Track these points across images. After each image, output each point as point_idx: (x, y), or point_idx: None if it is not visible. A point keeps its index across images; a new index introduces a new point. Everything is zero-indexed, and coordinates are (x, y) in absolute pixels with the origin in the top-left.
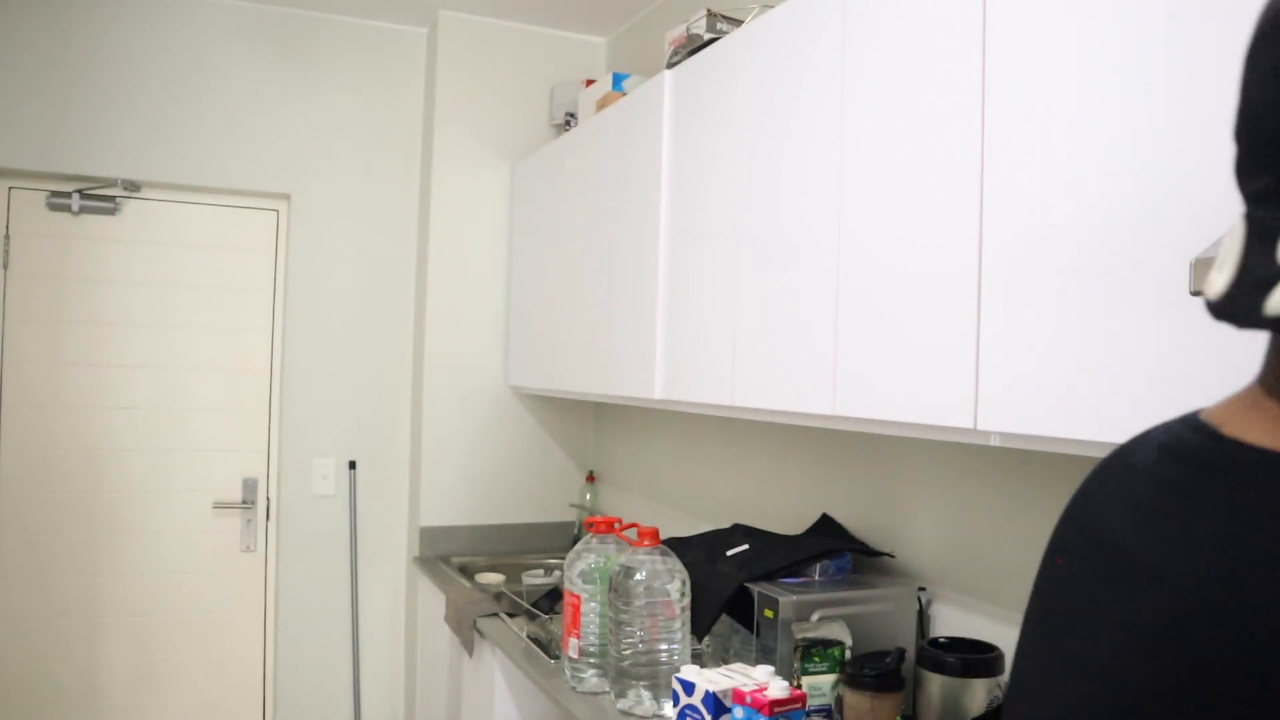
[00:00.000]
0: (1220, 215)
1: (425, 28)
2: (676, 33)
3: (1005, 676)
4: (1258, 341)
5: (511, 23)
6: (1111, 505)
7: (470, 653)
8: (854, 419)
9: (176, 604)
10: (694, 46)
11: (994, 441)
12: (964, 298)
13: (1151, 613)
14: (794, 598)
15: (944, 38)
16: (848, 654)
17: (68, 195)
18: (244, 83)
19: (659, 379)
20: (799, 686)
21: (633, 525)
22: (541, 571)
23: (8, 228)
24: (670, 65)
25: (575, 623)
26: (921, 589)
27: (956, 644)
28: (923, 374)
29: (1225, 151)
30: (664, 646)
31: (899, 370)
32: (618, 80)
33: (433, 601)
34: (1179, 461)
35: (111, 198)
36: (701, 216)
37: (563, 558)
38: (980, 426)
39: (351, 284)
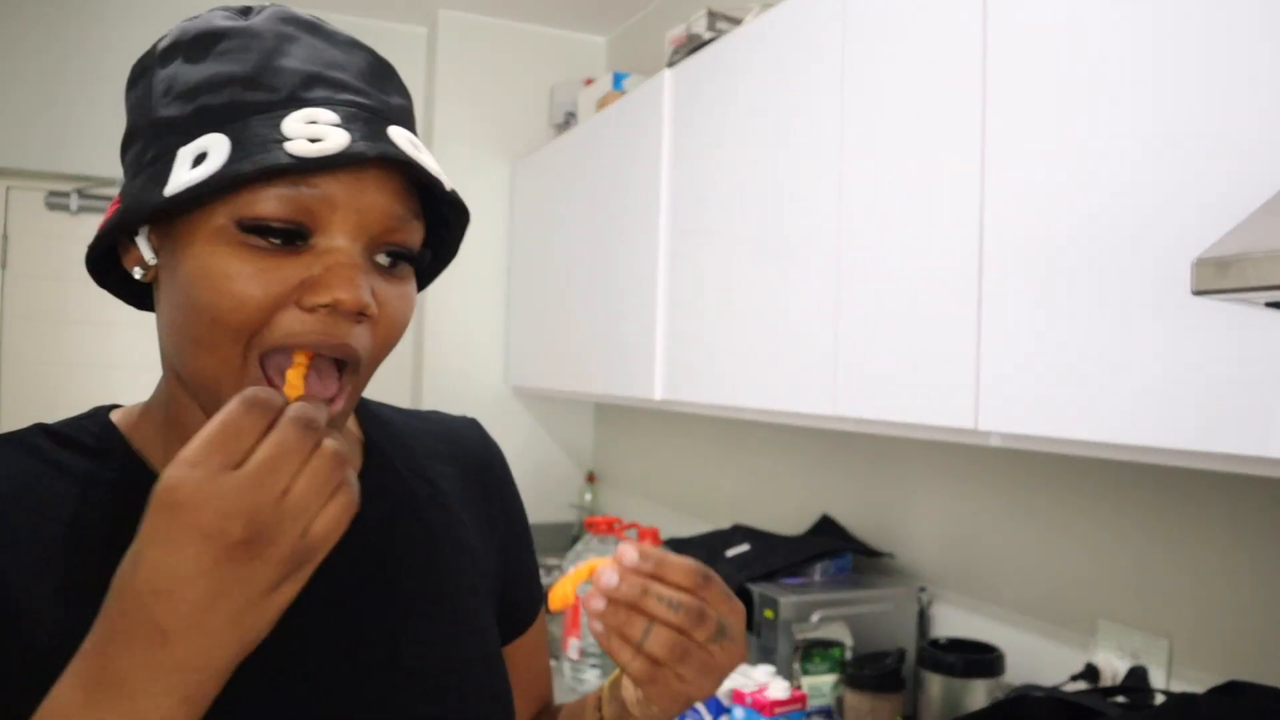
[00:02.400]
0: (1215, 216)
1: (425, 27)
2: (676, 32)
3: (1006, 677)
4: (1252, 340)
5: (511, 22)
6: None
7: None
8: (854, 419)
9: None
10: (694, 46)
11: (994, 441)
12: (964, 297)
13: None
14: (794, 598)
15: (944, 39)
16: (848, 654)
17: (66, 195)
18: None
19: (659, 379)
20: (799, 687)
21: (632, 525)
22: (541, 572)
23: (6, 227)
24: (670, 65)
25: (575, 623)
26: (922, 589)
27: (957, 644)
28: (923, 374)
29: (1216, 155)
30: None
31: (899, 370)
32: (618, 80)
33: None
34: None
35: (110, 197)
36: (701, 216)
37: (563, 558)
38: (980, 427)
39: None
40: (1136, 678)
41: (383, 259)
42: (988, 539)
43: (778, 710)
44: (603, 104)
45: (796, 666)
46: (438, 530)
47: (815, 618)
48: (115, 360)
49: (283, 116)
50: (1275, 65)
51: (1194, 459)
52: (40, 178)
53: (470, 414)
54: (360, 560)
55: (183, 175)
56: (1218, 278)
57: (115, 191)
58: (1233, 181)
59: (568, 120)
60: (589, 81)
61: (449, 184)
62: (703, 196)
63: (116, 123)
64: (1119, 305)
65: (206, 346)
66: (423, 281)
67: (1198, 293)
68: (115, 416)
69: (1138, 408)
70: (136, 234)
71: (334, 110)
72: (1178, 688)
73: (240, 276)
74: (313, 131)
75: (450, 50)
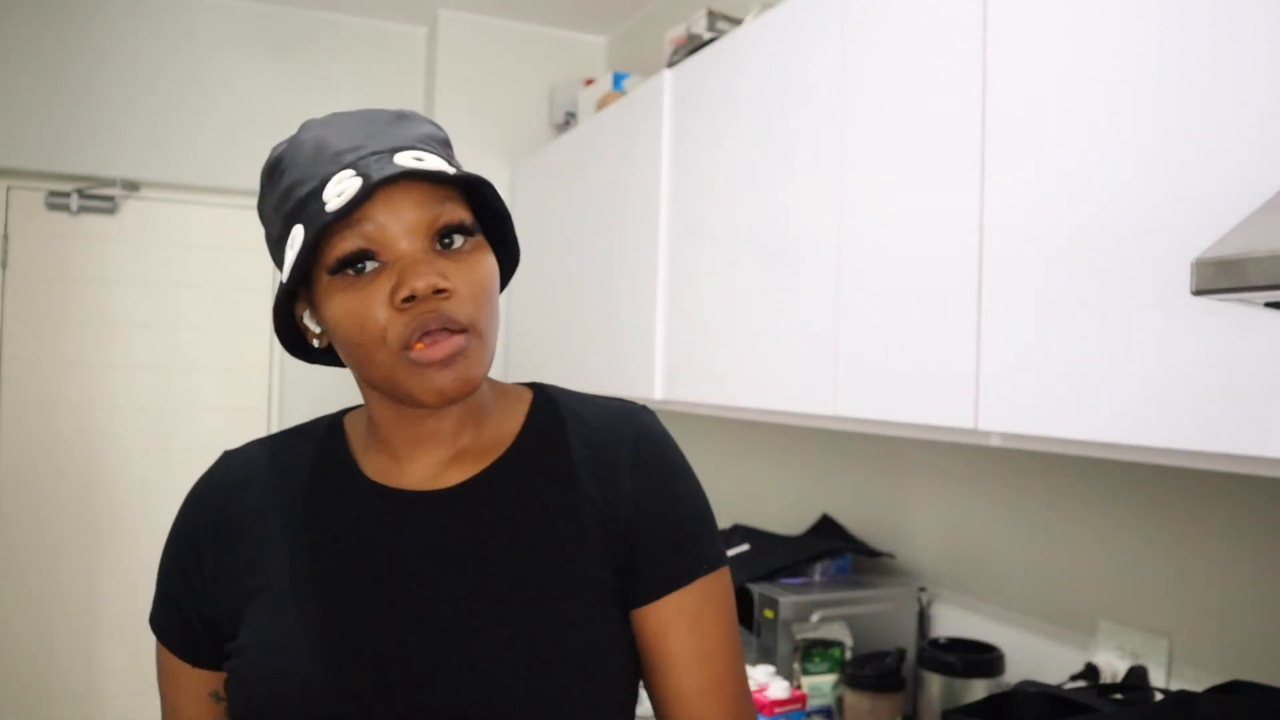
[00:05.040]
0: (1213, 216)
1: (425, 27)
2: (676, 32)
3: (1006, 676)
4: (1252, 340)
5: (511, 22)
6: None
7: None
8: (854, 419)
9: None
10: (694, 46)
11: (994, 442)
12: (964, 297)
13: None
14: (794, 598)
15: (944, 39)
16: (848, 654)
17: (66, 195)
18: (242, 82)
19: (659, 379)
20: (799, 687)
21: None
22: None
23: (6, 227)
24: (670, 65)
25: None
26: (922, 589)
27: (957, 644)
28: (923, 374)
29: (1216, 155)
30: None
31: (899, 370)
32: (618, 80)
33: None
34: None
35: (110, 197)
36: (702, 216)
37: None
38: (980, 426)
39: None
40: (1136, 677)
41: (446, 243)
42: (988, 539)
43: (778, 710)
44: (603, 104)
45: (796, 666)
46: (561, 513)
47: (815, 618)
48: (114, 360)
49: (322, 191)
50: (1275, 65)
51: (1194, 459)
52: (40, 178)
53: None
54: (473, 523)
55: (288, 263)
56: (1218, 278)
57: (115, 192)
58: (1233, 181)
59: (568, 120)
60: (589, 81)
61: (452, 170)
62: (703, 196)
63: (116, 123)
64: (1119, 305)
65: (369, 363)
66: (505, 277)
67: (1197, 293)
68: (348, 415)
69: (1137, 407)
70: (302, 318)
71: (353, 168)
72: (1178, 687)
73: (357, 308)
74: (340, 189)
75: (450, 50)
